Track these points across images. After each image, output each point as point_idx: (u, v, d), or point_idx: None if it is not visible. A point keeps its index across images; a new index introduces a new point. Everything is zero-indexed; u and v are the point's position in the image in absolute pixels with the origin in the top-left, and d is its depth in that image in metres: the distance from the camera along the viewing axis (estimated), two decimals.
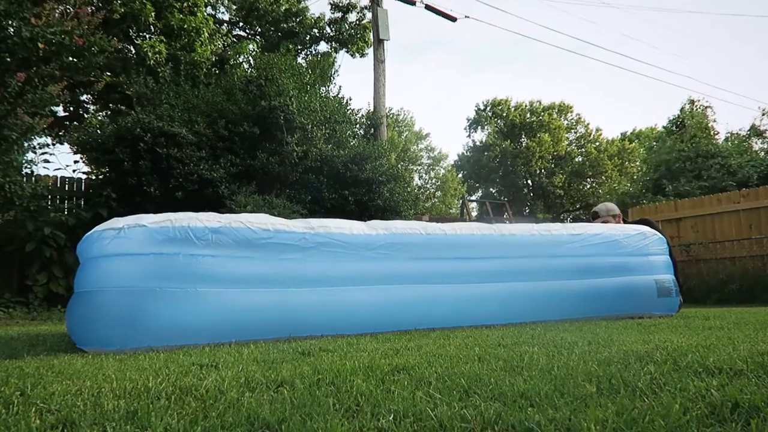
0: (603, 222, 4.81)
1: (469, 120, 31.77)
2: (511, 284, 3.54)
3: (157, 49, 9.10)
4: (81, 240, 2.81)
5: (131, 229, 2.60)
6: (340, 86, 18.07)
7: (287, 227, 2.99)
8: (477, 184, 31.92)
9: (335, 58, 12.72)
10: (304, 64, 9.40)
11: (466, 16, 13.02)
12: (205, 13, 10.66)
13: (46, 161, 6.41)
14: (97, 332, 2.53)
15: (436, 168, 35.12)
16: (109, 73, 8.86)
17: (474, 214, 21.12)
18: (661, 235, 4.22)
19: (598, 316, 3.74)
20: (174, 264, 2.62)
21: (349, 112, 8.98)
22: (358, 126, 10.02)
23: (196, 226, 2.70)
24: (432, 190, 33.83)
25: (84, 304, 2.65)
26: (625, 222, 4.96)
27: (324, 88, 9.00)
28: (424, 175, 34.72)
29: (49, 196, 6.73)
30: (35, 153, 6.26)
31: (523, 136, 29.52)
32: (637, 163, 25.25)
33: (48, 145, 6.65)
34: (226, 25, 12.48)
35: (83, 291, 2.72)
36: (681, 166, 12.39)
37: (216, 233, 2.73)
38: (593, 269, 3.84)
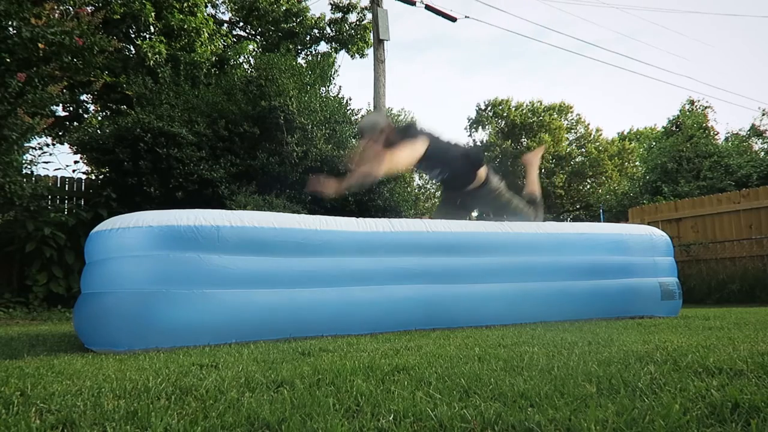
0: (368, 142, 3.65)
1: (470, 120, 31.81)
2: (518, 284, 3.53)
3: (157, 50, 9.09)
4: (87, 239, 2.80)
5: (137, 229, 2.58)
6: (340, 86, 18.09)
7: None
8: None
9: (335, 58, 12.72)
10: (304, 65, 9.39)
11: (465, 16, 13.08)
12: (205, 14, 10.66)
13: (46, 162, 6.42)
14: (106, 333, 2.53)
15: None
16: (108, 73, 8.86)
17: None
18: (668, 237, 4.20)
19: (601, 317, 3.74)
20: (180, 265, 2.61)
21: (349, 112, 8.97)
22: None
23: (202, 226, 2.65)
24: (432, 191, 33.83)
25: (92, 306, 2.65)
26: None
27: (324, 88, 8.99)
28: (424, 175, 34.71)
29: (49, 196, 6.73)
30: (34, 153, 6.27)
31: (524, 137, 29.52)
32: (637, 164, 25.28)
33: (48, 145, 6.66)
34: (226, 25, 12.48)
35: (91, 293, 2.72)
36: (676, 167, 12.38)
37: (220, 231, 2.71)
38: (599, 270, 3.83)
